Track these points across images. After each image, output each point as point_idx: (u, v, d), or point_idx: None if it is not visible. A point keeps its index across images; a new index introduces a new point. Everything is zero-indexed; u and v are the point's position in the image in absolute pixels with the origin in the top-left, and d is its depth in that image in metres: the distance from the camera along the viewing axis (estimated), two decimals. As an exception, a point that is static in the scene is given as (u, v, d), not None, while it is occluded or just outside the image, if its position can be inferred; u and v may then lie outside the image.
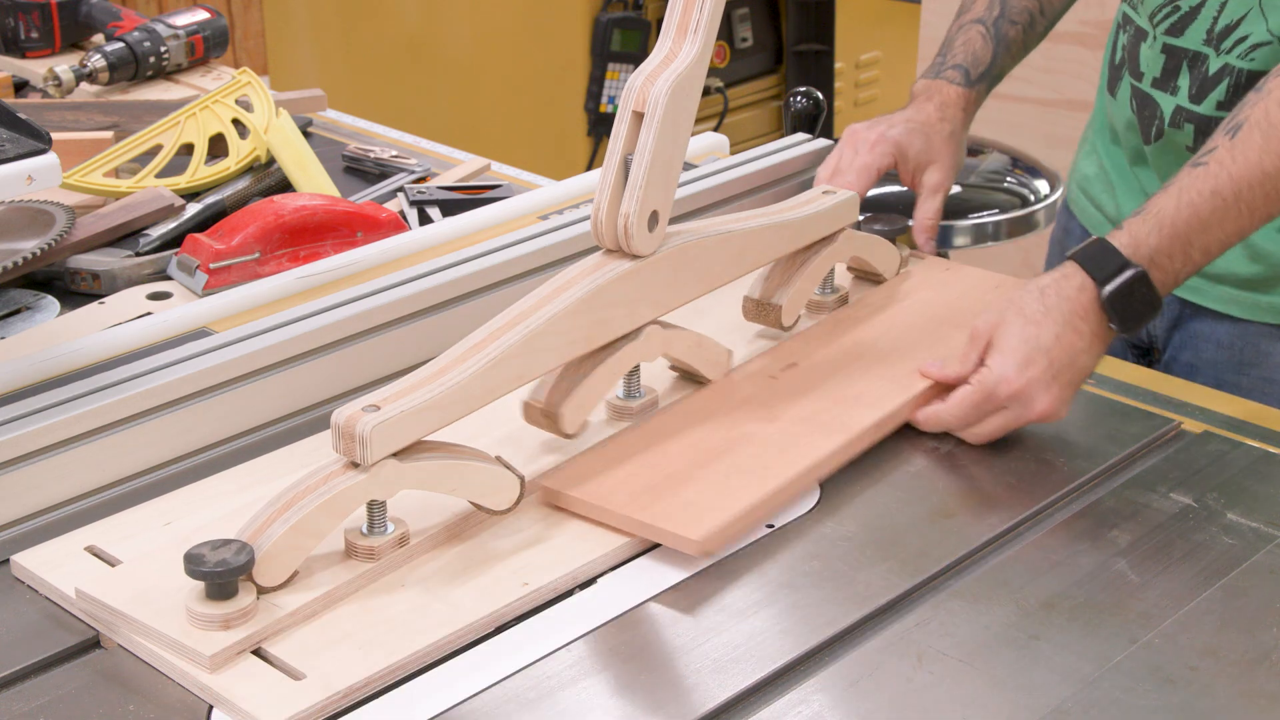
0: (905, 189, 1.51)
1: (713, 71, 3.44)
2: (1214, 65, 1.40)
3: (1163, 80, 1.44)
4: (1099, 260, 1.22)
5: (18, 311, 1.45)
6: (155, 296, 1.47)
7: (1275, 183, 1.22)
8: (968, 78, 1.49)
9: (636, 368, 1.22)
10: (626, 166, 1.14)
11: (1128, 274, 1.21)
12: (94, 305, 1.45)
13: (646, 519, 1.09)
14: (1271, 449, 1.22)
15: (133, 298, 1.47)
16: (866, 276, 1.44)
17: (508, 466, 1.09)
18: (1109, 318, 1.21)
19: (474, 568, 1.06)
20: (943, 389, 1.24)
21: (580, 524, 1.11)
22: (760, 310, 1.33)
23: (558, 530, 1.10)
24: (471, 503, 1.09)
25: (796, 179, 1.61)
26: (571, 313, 1.13)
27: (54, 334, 1.39)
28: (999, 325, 1.21)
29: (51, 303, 1.46)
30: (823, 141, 1.64)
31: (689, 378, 1.28)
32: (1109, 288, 1.20)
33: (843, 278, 1.42)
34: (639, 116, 1.13)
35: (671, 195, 1.16)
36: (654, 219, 1.15)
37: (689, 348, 1.24)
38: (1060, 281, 1.22)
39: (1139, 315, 1.22)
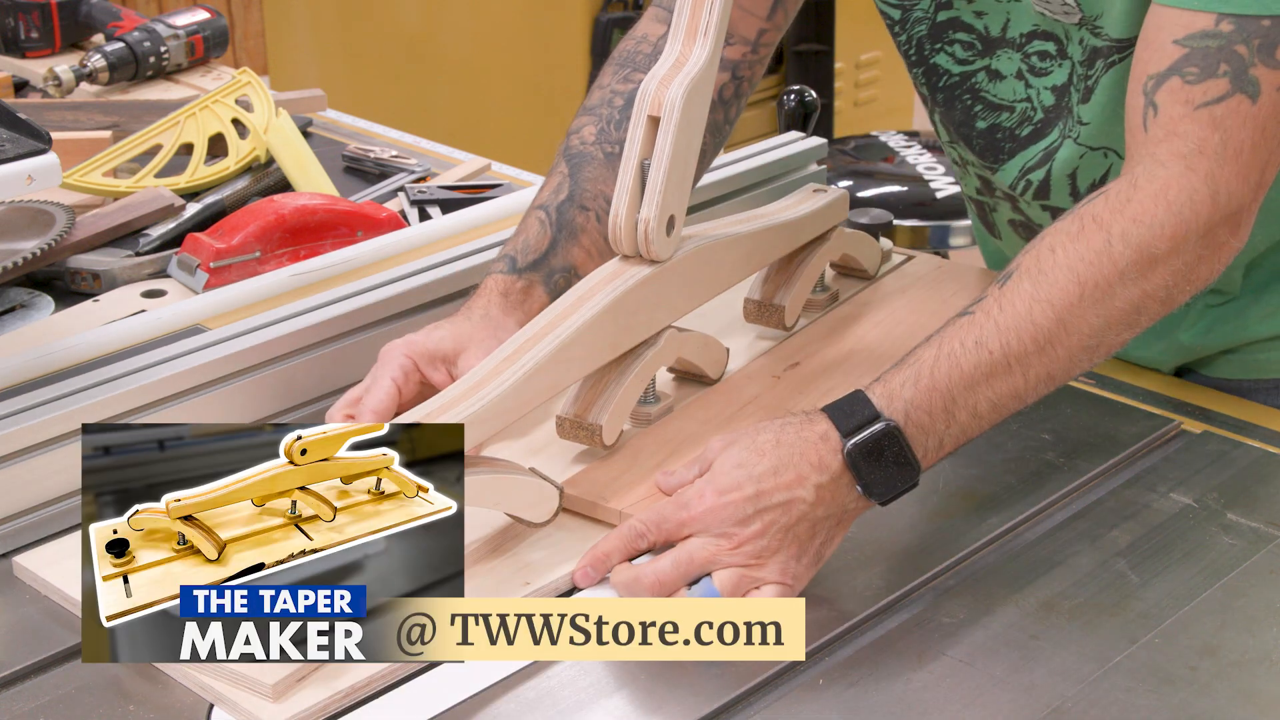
0: (901, 189, 1.51)
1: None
2: None
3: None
4: (847, 410, 1.05)
5: (13, 309, 1.45)
6: (150, 294, 1.47)
7: (1049, 335, 1.05)
8: (514, 265, 1.23)
9: (653, 378, 1.22)
10: (643, 171, 1.14)
11: (876, 427, 1.03)
12: (89, 303, 1.45)
13: None
14: (1271, 449, 1.22)
15: (127, 295, 1.47)
16: (851, 272, 1.44)
17: (544, 478, 1.09)
18: (854, 477, 1.03)
19: (476, 567, 1.06)
20: None
21: (581, 523, 1.11)
22: (763, 312, 1.33)
23: (559, 530, 1.10)
24: (511, 515, 1.09)
25: (789, 177, 1.61)
26: (598, 321, 1.13)
27: (48, 331, 1.40)
28: (726, 448, 1.06)
29: (46, 300, 1.47)
30: (816, 140, 1.64)
31: (686, 378, 1.28)
32: (854, 440, 1.03)
33: (828, 275, 1.42)
34: (654, 121, 1.13)
35: (687, 199, 1.16)
36: (671, 223, 1.16)
37: (697, 348, 1.24)
38: (803, 425, 1.05)
39: (888, 478, 1.03)
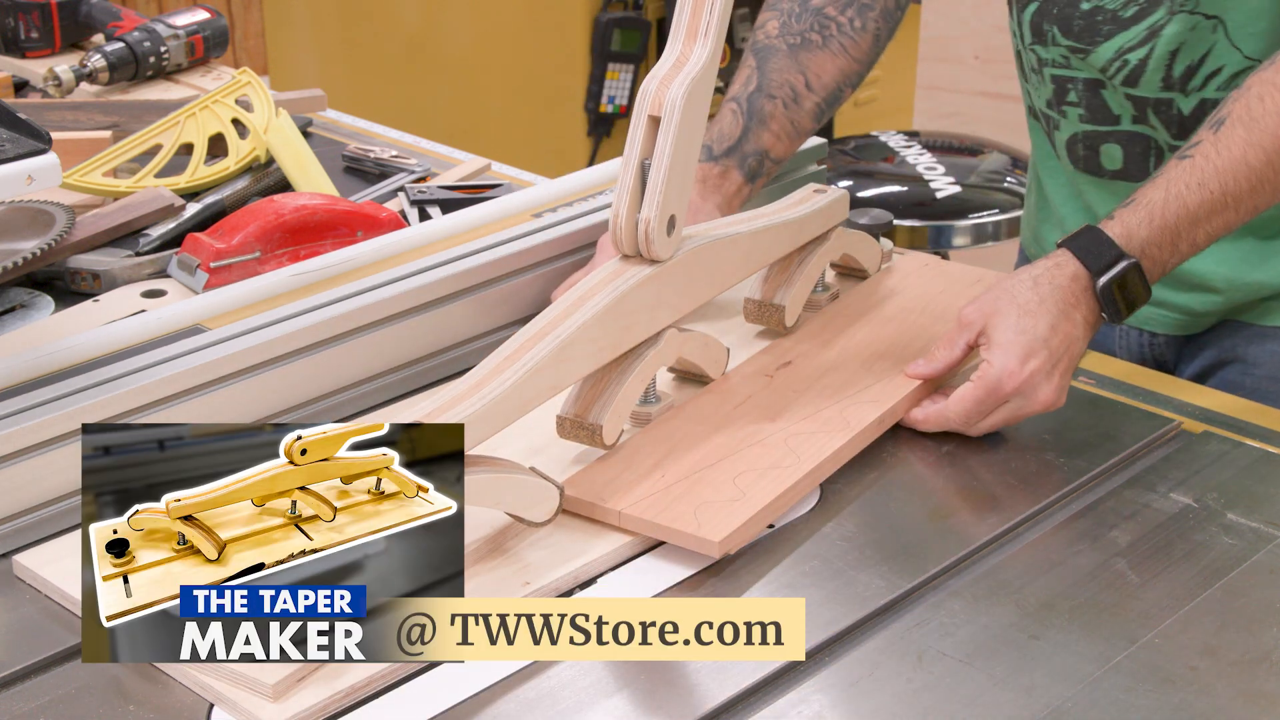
0: (902, 189, 1.52)
1: (713, 72, 3.44)
2: (1188, 105, 1.39)
3: (1139, 119, 1.42)
4: (1093, 250, 1.23)
5: (13, 309, 1.45)
6: (150, 294, 1.47)
7: (1260, 176, 1.23)
8: (710, 153, 1.41)
9: (653, 379, 1.22)
10: (644, 171, 1.14)
11: (1122, 265, 1.22)
12: (88, 303, 1.46)
13: (664, 522, 1.09)
14: (1271, 449, 1.22)
15: (127, 295, 1.47)
16: (850, 272, 1.44)
17: (544, 477, 1.09)
18: (1102, 307, 1.22)
19: (476, 567, 1.06)
20: (932, 384, 1.24)
21: (581, 523, 1.11)
22: (763, 312, 1.33)
23: (559, 530, 1.10)
24: (511, 515, 1.09)
25: (789, 176, 1.61)
26: (599, 320, 1.13)
27: (48, 331, 1.40)
28: (993, 315, 1.21)
29: (47, 301, 1.47)
30: (816, 140, 1.64)
31: (685, 378, 1.28)
32: (1104, 278, 1.22)
33: (829, 274, 1.42)
34: (655, 121, 1.13)
35: (687, 198, 1.17)
36: (672, 223, 1.16)
37: (697, 348, 1.25)
38: (1053, 271, 1.23)
39: (1131, 305, 1.23)
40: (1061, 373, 1.20)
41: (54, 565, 1.07)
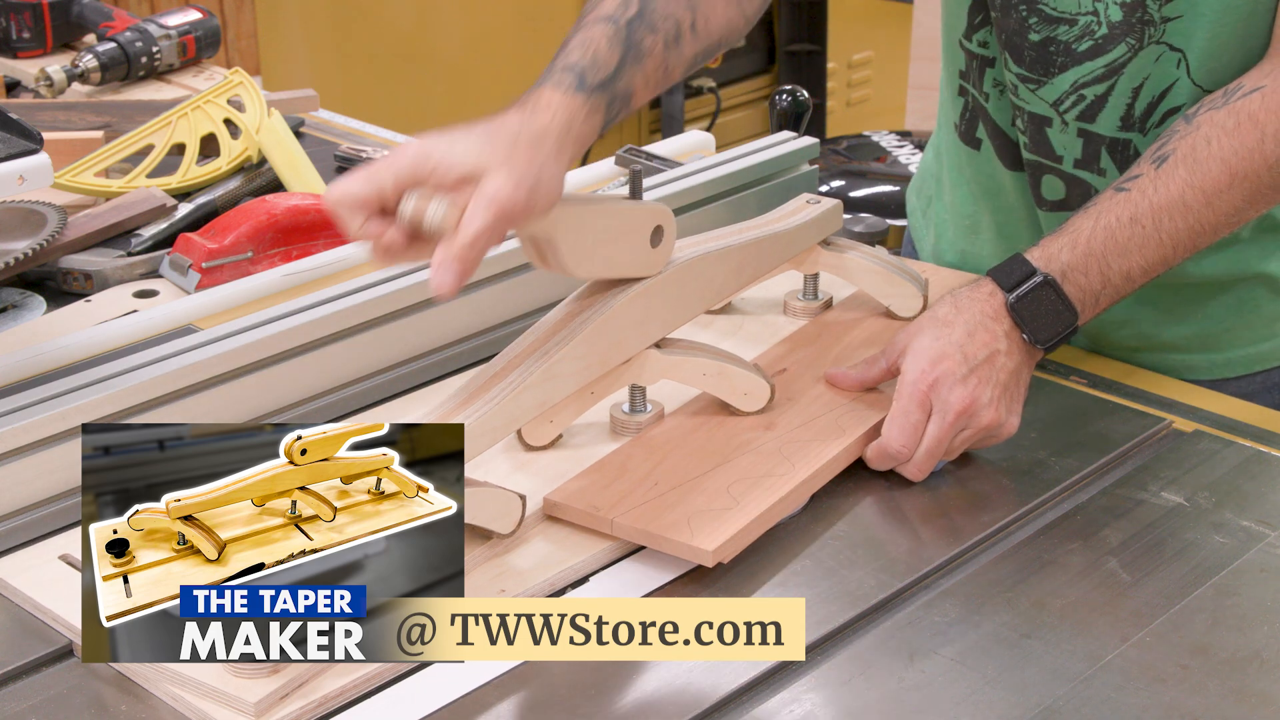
0: (894, 189, 1.50)
1: (705, 72, 3.45)
2: (1145, 145, 1.32)
3: (1085, 162, 1.35)
4: (1008, 269, 1.22)
5: (4, 310, 1.45)
6: (142, 294, 1.47)
7: (1198, 217, 1.21)
8: (581, 82, 1.08)
9: (643, 387, 1.21)
10: (635, 178, 1.14)
11: (1034, 280, 1.20)
12: (80, 303, 1.46)
13: (657, 530, 1.08)
14: (1262, 448, 1.23)
15: (119, 295, 1.47)
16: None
17: (503, 489, 1.09)
18: (1018, 324, 1.20)
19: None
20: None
21: (570, 532, 1.11)
22: None
23: (544, 541, 1.10)
24: (478, 527, 1.08)
25: (781, 177, 1.61)
26: (589, 338, 1.13)
27: (39, 331, 1.40)
28: (914, 335, 1.20)
29: (39, 301, 1.47)
30: (808, 140, 1.64)
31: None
32: (1015, 293, 1.20)
33: (828, 284, 1.42)
34: None
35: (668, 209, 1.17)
36: (657, 234, 1.16)
37: (700, 378, 1.22)
38: (971, 289, 1.22)
39: (1048, 324, 1.20)
40: (981, 379, 1.17)
41: (24, 574, 1.06)
